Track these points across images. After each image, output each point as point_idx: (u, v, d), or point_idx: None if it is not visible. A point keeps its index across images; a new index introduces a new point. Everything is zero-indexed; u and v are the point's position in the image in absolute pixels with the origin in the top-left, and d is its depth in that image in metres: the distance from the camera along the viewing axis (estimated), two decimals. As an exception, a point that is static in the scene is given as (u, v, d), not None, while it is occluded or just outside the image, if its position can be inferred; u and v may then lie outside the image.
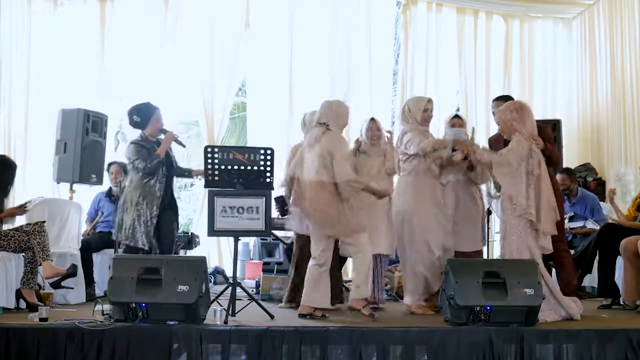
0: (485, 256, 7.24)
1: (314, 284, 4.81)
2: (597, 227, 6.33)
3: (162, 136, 5.52)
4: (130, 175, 5.44)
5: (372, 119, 5.65)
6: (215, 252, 8.61)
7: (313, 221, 4.77)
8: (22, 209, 5.30)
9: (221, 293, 4.87)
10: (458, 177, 5.58)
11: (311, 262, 4.90)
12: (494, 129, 9.16)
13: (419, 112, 5.38)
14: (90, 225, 6.58)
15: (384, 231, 5.40)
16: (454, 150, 5.24)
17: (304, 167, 4.92)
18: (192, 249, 7.34)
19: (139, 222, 5.26)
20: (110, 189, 6.71)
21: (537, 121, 5.10)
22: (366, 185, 5.00)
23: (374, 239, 5.31)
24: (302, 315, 4.78)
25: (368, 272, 4.85)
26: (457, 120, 5.70)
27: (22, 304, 5.08)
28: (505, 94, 9.31)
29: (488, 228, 7.14)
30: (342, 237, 4.83)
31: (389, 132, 5.68)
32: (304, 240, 5.35)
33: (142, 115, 5.45)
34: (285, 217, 5.38)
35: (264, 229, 4.81)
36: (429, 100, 5.47)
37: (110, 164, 6.82)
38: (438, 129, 8.90)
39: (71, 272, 5.23)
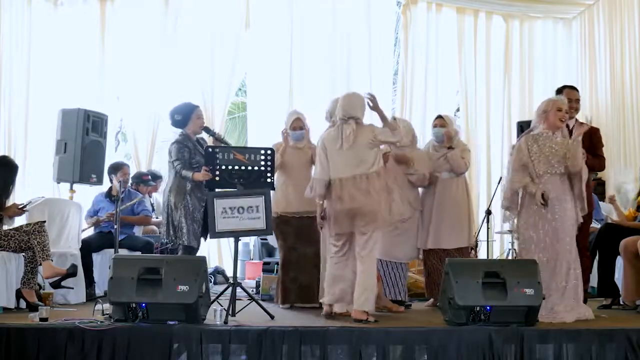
0: (485, 256, 7.28)
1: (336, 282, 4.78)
2: (596, 226, 6.33)
3: (204, 135, 5.51)
4: (171, 175, 5.40)
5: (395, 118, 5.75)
6: (215, 252, 8.62)
7: (367, 217, 4.59)
8: (21, 210, 5.30)
9: (221, 293, 4.87)
10: (443, 175, 5.69)
11: (334, 262, 4.84)
12: (494, 129, 9.29)
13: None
14: (91, 222, 6.54)
15: (410, 238, 5.54)
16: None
17: (338, 168, 4.71)
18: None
19: (189, 220, 5.25)
20: (110, 189, 6.69)
21: None
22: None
23: (399, 245, 5.45)
24: (357, 321, 4.54)
25: (374, 279, 4.67)
26: (438, 121, 5.79)
27: (22, 304, 5.08)
28: (506, 94, 9.44)
29: (488, 228, 7.16)
30: (384, 228, 4.82)
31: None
32: (291, 243, 5.44)
33: (183, 113, 5.42)
34: None
35: (265, 228, 4.81)
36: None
37: (122, 165, 6.74)
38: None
39: (71, 272, 5.23)
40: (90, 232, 6.63)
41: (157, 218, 7.03)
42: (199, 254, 5.56)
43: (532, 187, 4.74)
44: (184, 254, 5.27)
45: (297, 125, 5.58)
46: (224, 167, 4.90)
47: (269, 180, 4.96)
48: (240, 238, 4.98)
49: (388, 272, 5.55)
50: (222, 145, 5.34)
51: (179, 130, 5.48)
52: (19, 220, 5.41)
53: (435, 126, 5.81)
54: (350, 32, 9.20)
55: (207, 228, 5.34)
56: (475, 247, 5.93)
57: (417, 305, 5.89)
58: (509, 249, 8.05)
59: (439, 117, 5.90)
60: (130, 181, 7.05)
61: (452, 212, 5.63)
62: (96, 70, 8.64)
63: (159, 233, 6.37)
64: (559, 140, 4.79)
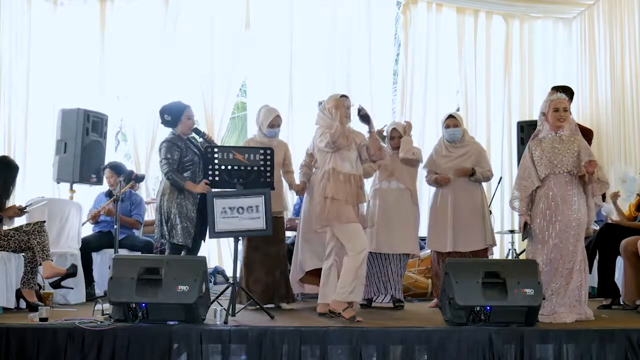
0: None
1: (324, 282, 4.86)
2: (596, 227, 6.33)
3: (195, 135, 5.45)
4: (163, 175, 5.31)
5: (394, 129, 5.76)
6: (215, 252, 8.61)
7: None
8: (22, 212, 5.30)
9: (221, 293, 4.88)
10: (457, 178, 5.64)
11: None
12: (494, 129, 9.28)
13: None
14: (89, 215, 6.54)
15: (411, 230, 5.58)
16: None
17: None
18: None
19: (183, 219, 5.14)
20: (109, 189, 6.71)
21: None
22: None
23: (402, 237, 5.47)
24: (321, 314, 4.79)
25: (358, 272, 4.61)
26: (451, 121, 5.74)
27: (22, 304, 5.09)
28: (506, 94, 9.43)
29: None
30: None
31: (407, 122, 5.88)
32: (255, 242, 5.40)
33: (173, 113, 5.27)
34: None
35: (264, 228, 4.79)
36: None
37: (103, 169, 6.79)
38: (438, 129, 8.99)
39: (71, 272, 5.23)
40: (90, 231, 6.63)
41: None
42: (199, 253, 5.55)
43: (522, 208, 4.80)
44: (174, 253, 5.16)
45: (276, 122, 5.57)
46: (223, 167, 4.90)
47: (268, 180, 4.96)
48: (240, 238, 4.97)
49: (384, 267, 5.54)
50: (218, 145, 5.32)
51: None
52: (19, 221, 5.40)
53: (448, 126, 5.73)
54: (350, 32, 9.19)
55: (205, 229, 5.33)
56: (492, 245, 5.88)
57: (418, 305, 5.89)
58: (509, 249, 8.05)
59: (451, 116, 5.81)
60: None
61: (470, 215, 5.59)
62: (96, 70, 8.63)
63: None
64: (564, 139, 4.77)
